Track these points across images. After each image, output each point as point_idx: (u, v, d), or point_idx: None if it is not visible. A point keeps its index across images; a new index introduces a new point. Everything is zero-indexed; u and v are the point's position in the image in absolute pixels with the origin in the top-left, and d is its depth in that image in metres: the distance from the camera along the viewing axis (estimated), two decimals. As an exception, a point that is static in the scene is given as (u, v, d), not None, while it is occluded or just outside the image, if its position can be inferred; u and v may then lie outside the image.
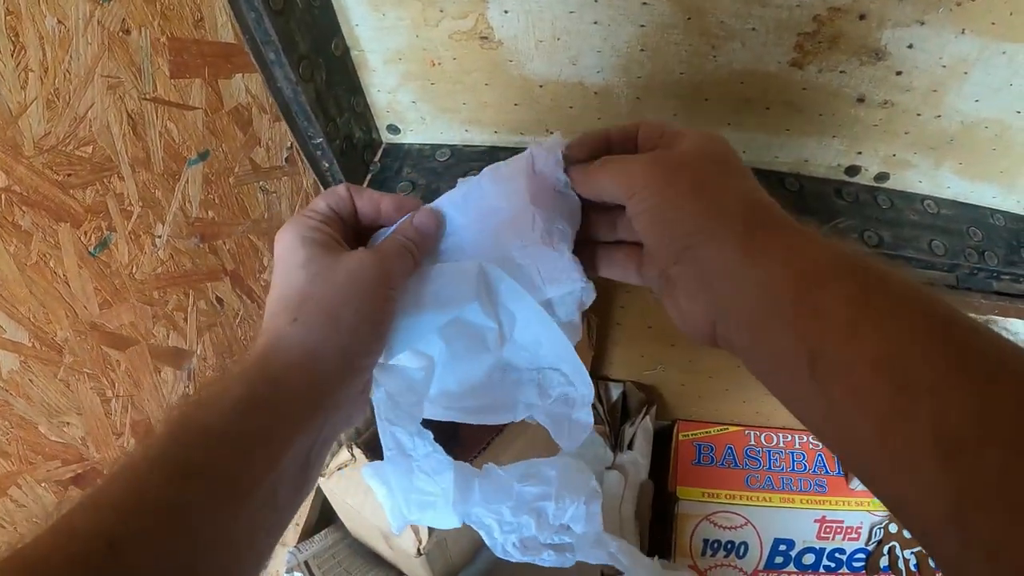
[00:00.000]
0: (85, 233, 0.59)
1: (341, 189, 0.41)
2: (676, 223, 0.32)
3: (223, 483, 0.28)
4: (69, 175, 0.57)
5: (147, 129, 0.61)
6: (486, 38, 0.50)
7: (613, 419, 0.61)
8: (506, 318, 0.40)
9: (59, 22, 0.52)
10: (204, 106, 0.65)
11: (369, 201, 0.41)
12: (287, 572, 0.52)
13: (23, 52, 0.50)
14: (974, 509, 0.20)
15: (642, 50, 0.49)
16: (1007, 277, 0.60)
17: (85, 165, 0.58)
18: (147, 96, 0.60)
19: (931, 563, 0.65)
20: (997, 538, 0.19)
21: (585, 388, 0.42)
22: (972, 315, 0.25)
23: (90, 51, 0.55)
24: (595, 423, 0.61)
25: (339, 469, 0.46)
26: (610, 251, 0.42)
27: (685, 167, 0.34)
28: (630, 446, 0.60)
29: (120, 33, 0.57)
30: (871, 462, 0.24)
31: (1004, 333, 0.24)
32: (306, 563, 0.54)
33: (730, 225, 0.31)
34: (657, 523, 0.64)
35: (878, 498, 0.25)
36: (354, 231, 0.42)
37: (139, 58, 0.59)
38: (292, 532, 0.54)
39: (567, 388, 0.41)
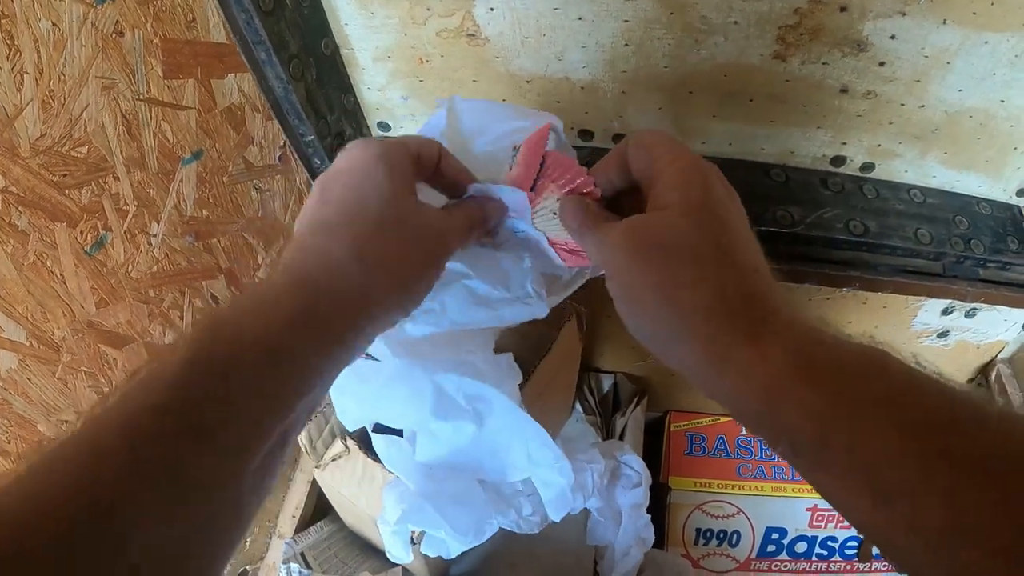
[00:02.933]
0: (81, 233, 0.60)
1: (434, 144, 0.38)
2: (643, 319, 0.31)
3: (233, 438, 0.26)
4: (65, 175, 0.57)
5: (141, 129, 0.62)
6: (473, 35, 0.51)
7: (604, 410, 0.62)
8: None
9: (53, 25, 0.53)
10: (197, 106, 0.66)
11: (451, 170, 0.39)
12: (283, 563, 0.53)
13: (18, 54, 0.51)
14: None
15: (626, 45, 0.50)
16: (993, 265, 0.60)
17: (80, 165, 0.58)
18: (141, 97, 0.61)
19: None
20: None
21: (565, 477, 0.42)
22: (943, 385, 0.25)
23: (84, 53, 0.56)
24: (586, 414, 0.62)
25: (333, 460, 0.47)
26: None
27: (656, 249, 0.31)
28: (621, 437, 0.61)
29: (113, 35, 0.57)
30: (867, 533, 0.25)
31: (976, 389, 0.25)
32: (302, 554, 0.54)
33: (695, 329, 0.29)
34: (650, 513, 0.65)
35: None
36: None
37: (132, 59, 0.59)
38: (288, 523, 0.55)
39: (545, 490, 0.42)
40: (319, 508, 0.64)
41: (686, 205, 0.32)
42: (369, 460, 0.42)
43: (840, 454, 0.24)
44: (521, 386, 0.46)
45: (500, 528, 0.44)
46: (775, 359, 0.27)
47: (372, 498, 0.47)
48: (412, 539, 0.44)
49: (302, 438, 0.47)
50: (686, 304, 0.29)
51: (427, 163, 0.37)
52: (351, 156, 0.35)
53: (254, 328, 0.28)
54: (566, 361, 0.55)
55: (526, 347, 0.60)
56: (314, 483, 0.59)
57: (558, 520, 0.45)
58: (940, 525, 0.22)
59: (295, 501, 0.54)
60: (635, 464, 0.48)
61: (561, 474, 0.42)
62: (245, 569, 0.51)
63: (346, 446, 0.46)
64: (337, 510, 0.55)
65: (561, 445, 0.58)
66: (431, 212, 0.36)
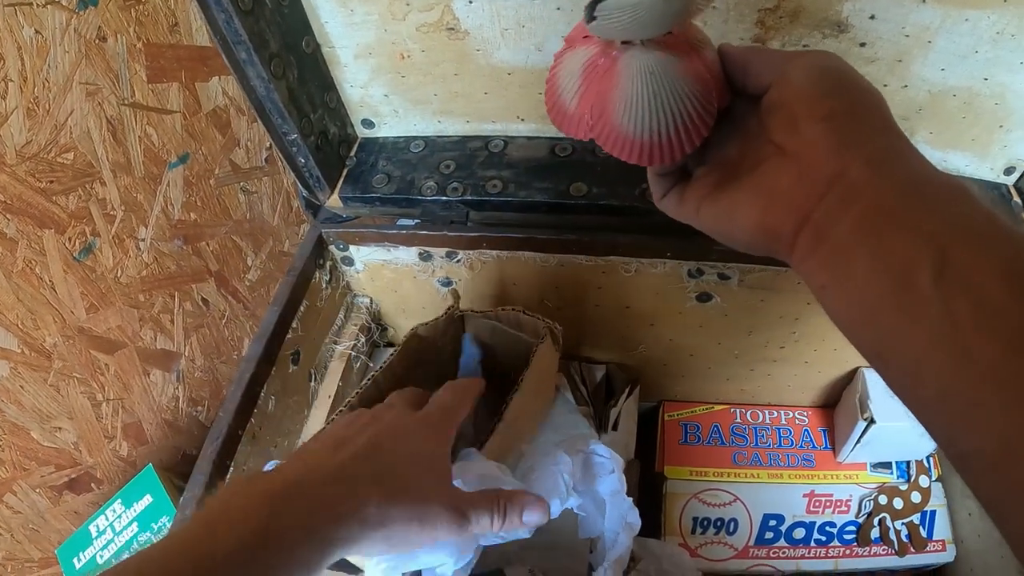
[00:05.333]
0: (69, 239, 0.60)
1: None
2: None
3: None
4: (52, 182, 0.58)
5: (127, 134, 0.62)
6: (453, 29, 0.51)
7: (596, 401, 0.62)
8: None
9: (36, 32, 0.53)
10: (182, 109, 0.66)
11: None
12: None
13: (2, 62, 0.51)
14: None
15: (606, 33, 0.50)
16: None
17: (67, 172, 0.58)
18: (125, 102, 0.61)
19: (922, 533, 0.65)
20: None
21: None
22: None
23: (68, 59, 0.56)
24: (579, 404, 0.62)
25: None
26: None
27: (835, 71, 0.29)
28: (615, 427, 0.61)
29: (97, 41, 0.58)
30: (986, 394, 0.21)
31: None
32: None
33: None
34: (646, 503, 0.65)
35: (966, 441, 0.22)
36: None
37: (116, 64, 0.60)
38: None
39: None
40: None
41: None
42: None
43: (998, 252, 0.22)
44: (495, 424, 0.48)
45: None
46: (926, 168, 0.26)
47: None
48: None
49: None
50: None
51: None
52: (405, 419, 0.40)
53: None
54: (542, 381, 0.56)
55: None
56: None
57: (554, 516, 0.45)
58: None
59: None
60: (603, 451, 0.48)
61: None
62: None
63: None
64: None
65: (551, 434, 0.58)
66: (465, 495, 0.38)
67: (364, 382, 0.51)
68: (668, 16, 0.29)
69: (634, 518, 0.46)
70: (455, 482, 0.40)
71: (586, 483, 0.50)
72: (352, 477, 0.33)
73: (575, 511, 0.49)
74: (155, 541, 0.30)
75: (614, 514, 0.48)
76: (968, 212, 0.24)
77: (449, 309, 0.55)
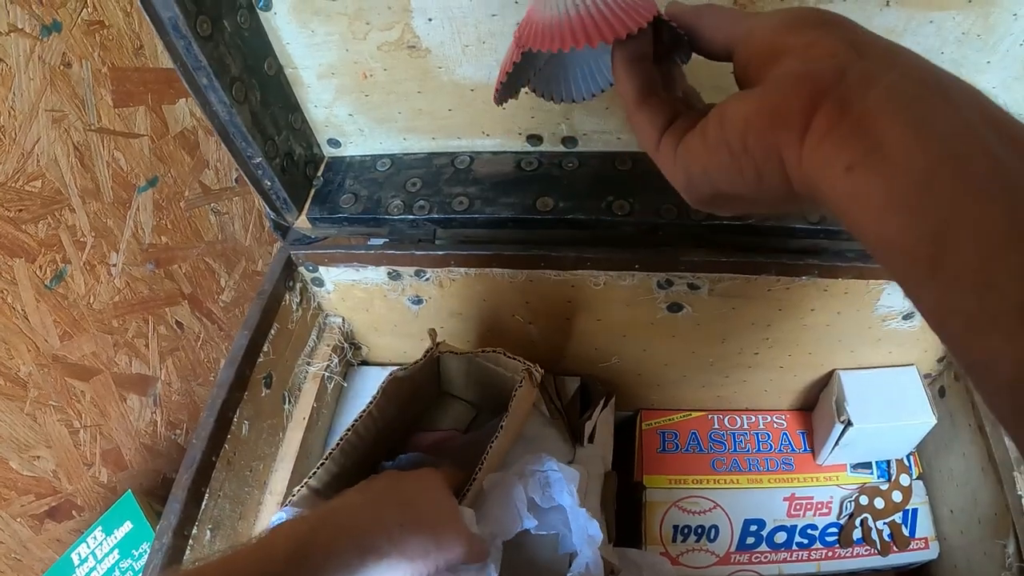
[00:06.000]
0: (40, 267, 0.60)
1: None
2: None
3: None
4: (20, 211, 0.57)
5: (94, 160, 0.62)
6: (414, 47, 0.51)
7: (571, 413, 0.62)
8: None
9: (0, 60, 0.53)
10: (150, 133, 0.66)
11: None
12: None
13: (-37, 93, 0.51)
14: None
15: (569, 47, 0.50)
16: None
17: (35, 200, 0.58)
18: (92, 127, 0.61)
19: (905, 531, 0.65)
20: None
21: None
22: None
23: (33, 87, 0.56)
24: (552, 418, 0.62)
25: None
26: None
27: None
28: (591, 439, 0.61)
29: (61, 67, 0.57)
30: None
31: None
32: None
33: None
34: (625, 513, 0.65)
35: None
36: None
37: (81, 90, 0.60)
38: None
39: None
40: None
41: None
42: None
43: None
44: (469, 487, 0.49)
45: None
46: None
47: None
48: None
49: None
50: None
51: None
52: (431, 486, 0.45)
53: None
54: (519, 421, 0.57)
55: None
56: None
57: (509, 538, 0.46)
58: None
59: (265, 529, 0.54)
60: (554, 467, 0.48)
61: None
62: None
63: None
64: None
65: (522, 450, 0.58)
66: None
67: (347, 432, 0.51)
68: None
69: (594, 530, 0.47)
70: None
71: (549, 500, 0.50)
72: (378, 505, 0.40)
73: (532, 532, 0.49)
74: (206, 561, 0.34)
75: (575, 528, 0.48)
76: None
77: (428, 352, 0.55)
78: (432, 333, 0.57)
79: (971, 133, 0.19)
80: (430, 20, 0.49)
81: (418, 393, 0.59)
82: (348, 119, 0.56)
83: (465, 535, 0.43)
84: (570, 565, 0.53)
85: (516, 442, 0.57)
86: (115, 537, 0.69)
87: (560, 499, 0.49)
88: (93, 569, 0.69)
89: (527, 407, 0.56)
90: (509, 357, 0.55)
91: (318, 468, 0.49)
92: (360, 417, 0.52)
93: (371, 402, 0.52)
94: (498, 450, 0.52)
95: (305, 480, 0.49)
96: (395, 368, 0.54)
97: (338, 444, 0.50)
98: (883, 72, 0.21)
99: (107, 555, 0.68)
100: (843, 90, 0.21)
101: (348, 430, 0.51)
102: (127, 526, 0.69)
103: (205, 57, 0.45)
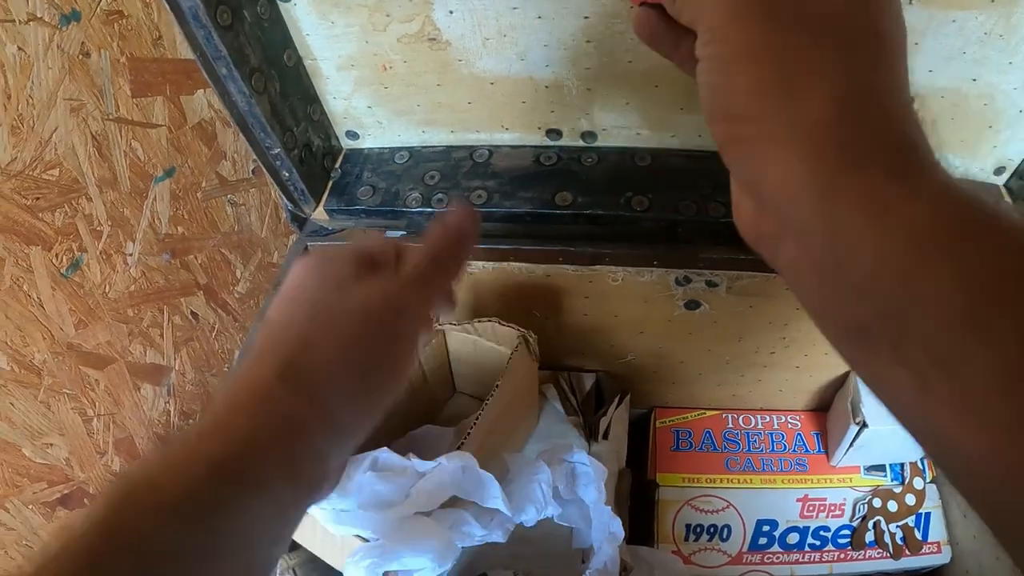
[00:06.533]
0: (57, 255, 0.60)
1: (388, 246, 0.33)
2: (734, 95, 0.23)
3: None
4: (38, 199, 0.57)
5: (112, 149, 0.62)
6: (434, 39, 0.51)
7: (586, 410, 0.62)
8: None
9: (19, 49, 0.53)
10: (167, 123, 0.66)
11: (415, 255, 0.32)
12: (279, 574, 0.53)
13: (-17, 80, 0.51)
14: None
15: (588, 41, 0.50)
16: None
17: (53, 188, 0.58)
18: (110, 117, 0.61)
19: (917, 535, 0.65)
20: None
21: None
22: None
23: (51, 76, 0.56)
24: (568, 414, 0.62)
25: None
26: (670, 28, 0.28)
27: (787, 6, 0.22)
28: (605, 436, 0.61)
29: (80, 56, 0.57)
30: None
31: None
32: (294, 569, 0.54)
33: (804, 141, 0.21)
34: (638, 511, 0.65)
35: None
36: None
37: (100, 80, 0.59)
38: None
39: None
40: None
41: None
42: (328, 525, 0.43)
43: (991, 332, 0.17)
44: (468, 432, 0.48)
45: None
46: (928, 199, 0.19)
47: (334, 557, 0.47)
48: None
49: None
50: (796, 101, 0.21)
51: (383, 260, 0.32)
52: (288, 274, 0.32)
53: (171, 486, 0.23)
54: (520, 389, 0.56)
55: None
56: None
57: (530, 524, 0.46)
58: None
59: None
60: (584, 460, 0.48)
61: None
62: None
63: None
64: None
65: (540, 445, 0.58)
66: (365, 284, 0.29)
67: None
68: None
69: (616, 527, 0.46)
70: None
71: (571, 493, 0.50)
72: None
73: (556, 521, 0.49)
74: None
75: (597, 524, 0.48)
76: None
77: None
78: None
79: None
80: (451, 12, 0.49)
81: (429, 384, 0.59)
82: (367, 111, 0.56)
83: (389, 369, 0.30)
84: (582, 561, 0.53)
85: (522, 410, 0.56)
86: (127, 526, 0.69)
87: (584, 493, 0.49)
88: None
89: (525, 375, 0.56)
90: (503, 325, 0.54)
91: None
92: None
93: None
94: (495, 407, 0.50)
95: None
96: None
97: None
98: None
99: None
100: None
101: None
102: (139, 515, 0.69)
103: (225, 47, 0.45)
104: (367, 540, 0.42)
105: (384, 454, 0.43)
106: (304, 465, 0.27)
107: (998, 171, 0.59)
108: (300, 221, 0.58)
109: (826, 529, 0.66)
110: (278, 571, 0.54)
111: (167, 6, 0.42)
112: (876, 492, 0.67)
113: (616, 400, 0.63)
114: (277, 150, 0.52)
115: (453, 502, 0.45)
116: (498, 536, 0.44)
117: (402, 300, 0.30)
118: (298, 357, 0.27)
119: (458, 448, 0.46)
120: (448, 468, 0.42)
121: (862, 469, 0.68)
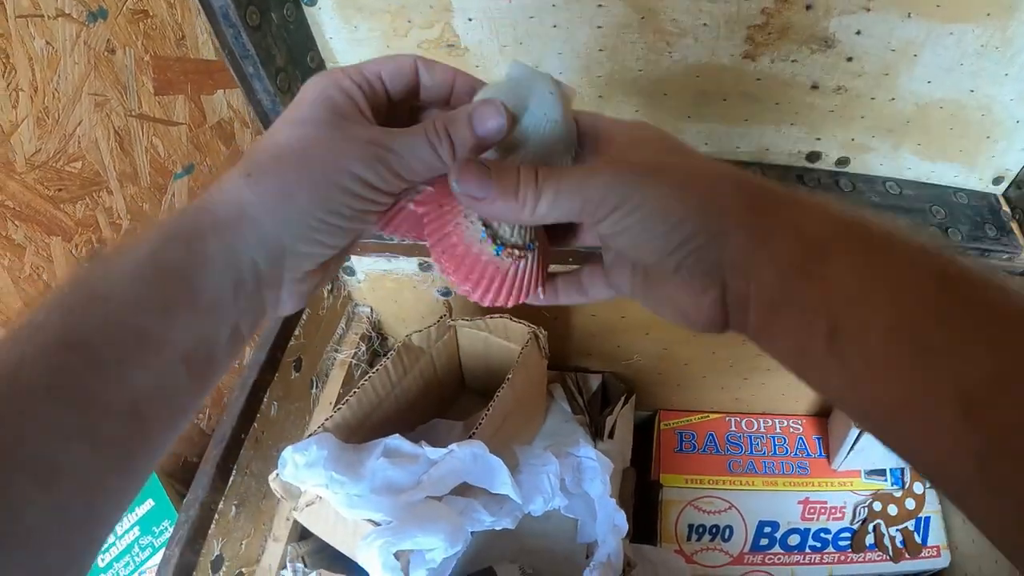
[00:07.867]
0: (76, 246, 0.61)
1: (406, 61, 0.31)
2: (672, 232, 0.28)
3: (109, 353, 0.23)
4: (60, 190, 0.59)
5: (133, 145, 0.64)
6: (453, 45, 0.52)
7: (592, 410, 0.63)
8: None
9: (47, 43, 0.54)
10: (188, 121, 0.67)
11: (441, 76, 0.32)
12: (289, 561, 0.54)
13: (13, 73, 0.52)
14: (999, 461, 0.20)
15: (600, 50, 0.51)
16: (973, 252, 0.61)
17: (75, 180, 0.60)
18: (133, 113, 0.63)
19: (917, 539, 0.66)
20: None
21: None
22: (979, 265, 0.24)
23: (77, 71, 0.57)
24: (575, 414, 0.63)
25: (307, 505, 0.49)
26: (570, 279, 0.35)
27: (659, 169, 0.28)
28: (611, 436, 0.62)
29: (105, 53, 0.59)
30: (896, 427, 0.24)
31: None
32: (303, 557, 0.55)
33: (735, 215, 0.27)
34: (642, 511, 0.65)
35: (907, 462, 0.24)
36: (410, 112, 0.33)
37: (124, 76, 0.61)
38: (283, 526, 0.55)
39: None
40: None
41: (639, 128, 0.32)
42: (341, 509, 0.44)
43: (880, 314, 0.23)
44: (480, 422, 0.49)
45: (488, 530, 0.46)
46: (809, 224, 0.26)
47: (346, 541, 0.48)
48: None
49: (276, 485, 0.48)
50: (715, 201, 0.27)
51: (398, 84, 0.31)
52: (300, 92, 0.30)
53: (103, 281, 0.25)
54: (530, 384, 0.57)
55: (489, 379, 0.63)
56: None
57: (538, 514, 0.47)
58: (981, 380, 0.21)
59: (287, 508, 0.55)
60: (591, 454, 0.49)
61: None
62: (241, 571, 0.52)
63: (318, 495, 0.47)
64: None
65: (546, 442, 0.59)
66: (361, 127, 0.29)
67: (361, 383, 0.52)
68: None
69: (620, 520, 0.47)
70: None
71: (577, 487, 0.51)
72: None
73: (562, 513, 0.50)
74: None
75: (602, 518, 0.49)
76: (848, 277, 0.25)
77: (441, 318, 0.57)
78: (447, 304, 0.58)
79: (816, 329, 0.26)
80: (470, 20, 0.50)
81: (439, 376, 0.60)
82: (386, 114, 0.58)
83: (363, 140, 0.29)
84: (587, 555, 0.54)
85: (532, 405, 0.57)
86: (136, 514, 0.70)
87: (590, 487, 0.50)
88: (113, 544, 0.69)
89: (535, 370, 0.57)
90: (515, 321, 0.56)
91: (332, 415, 0.50)
92: (376, 371, 0.53)
93: (385, 359, 0.54)
94: (507, 397, 0.52)
95: (321, 424, 0.50)
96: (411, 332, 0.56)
97: (354, 393, 0.51)
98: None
99: (128, 531, 0.69)
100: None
101: (364, 381, 0.52)
102: (149, 503, 0.70)
103: (253, 46, 0.47)
104: (379, 524, 0.43)
105: (396, 440, 0.44)
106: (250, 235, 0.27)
107: (996, 181, 0.61)
108: (317, 218, 0.59)
109: (826, 531, 0.67)
110: (289, 556, 0.55)
111: (199, 5, 0.44)
112: (876, 496, 0.68)
113: (622, 400, 0.64)
114: (298, 149, 0.54)
115: (463, 490, 0.46)
116: (507, 523, 0.45)
117: (379, 154, 0.29)
118: (259, 170, 0.28)
119: (469, 437, 0.47)
120: (459, 455, 0.43)
121: (863, 473, 0.69)
